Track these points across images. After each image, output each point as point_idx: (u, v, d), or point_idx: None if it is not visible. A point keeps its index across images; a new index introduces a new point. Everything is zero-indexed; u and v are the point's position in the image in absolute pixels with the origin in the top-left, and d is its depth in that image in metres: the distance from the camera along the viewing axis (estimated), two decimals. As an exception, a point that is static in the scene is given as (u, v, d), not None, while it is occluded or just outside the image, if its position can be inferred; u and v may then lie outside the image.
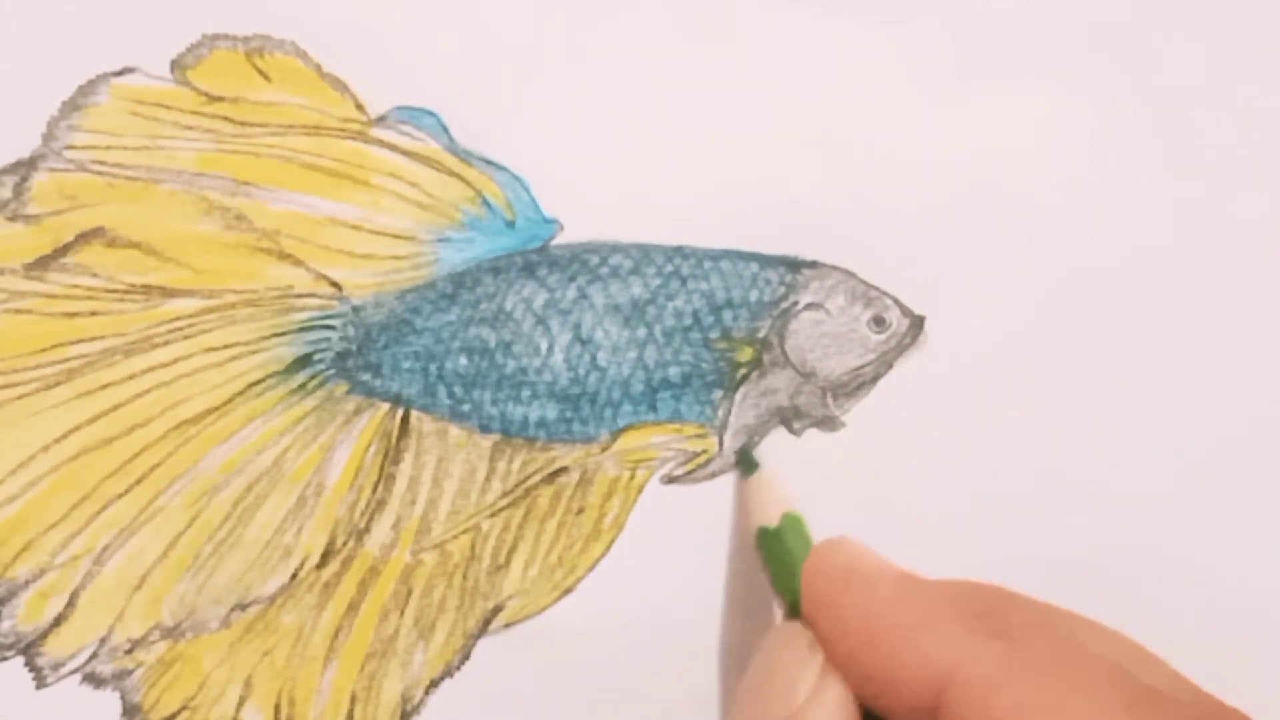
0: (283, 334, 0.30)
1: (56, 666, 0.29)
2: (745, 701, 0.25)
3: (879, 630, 0.24)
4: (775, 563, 0.27)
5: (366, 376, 0.30)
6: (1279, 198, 0.32)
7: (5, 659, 0.28)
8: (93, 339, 0.29)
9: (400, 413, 0.30)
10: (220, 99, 0.30)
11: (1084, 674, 0.22)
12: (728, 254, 0.31)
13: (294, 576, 0.29)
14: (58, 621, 0.29)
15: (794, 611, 0.26)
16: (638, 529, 0.30)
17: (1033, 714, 0.21)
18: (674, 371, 0.30)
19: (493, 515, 0.30)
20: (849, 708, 0.24)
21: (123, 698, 0.29)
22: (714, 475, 0.30)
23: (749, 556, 0.29)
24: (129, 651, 0.29)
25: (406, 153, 0.30)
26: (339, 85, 0.30)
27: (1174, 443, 0.31)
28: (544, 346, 0.30)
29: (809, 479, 0.30)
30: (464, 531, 0.30)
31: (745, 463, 0.30)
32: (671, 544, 0.30)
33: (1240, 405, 0.31)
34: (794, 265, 0.31)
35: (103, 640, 0.29)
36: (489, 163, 0.31)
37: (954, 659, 0.22)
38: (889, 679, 0.23)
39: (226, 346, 0.30)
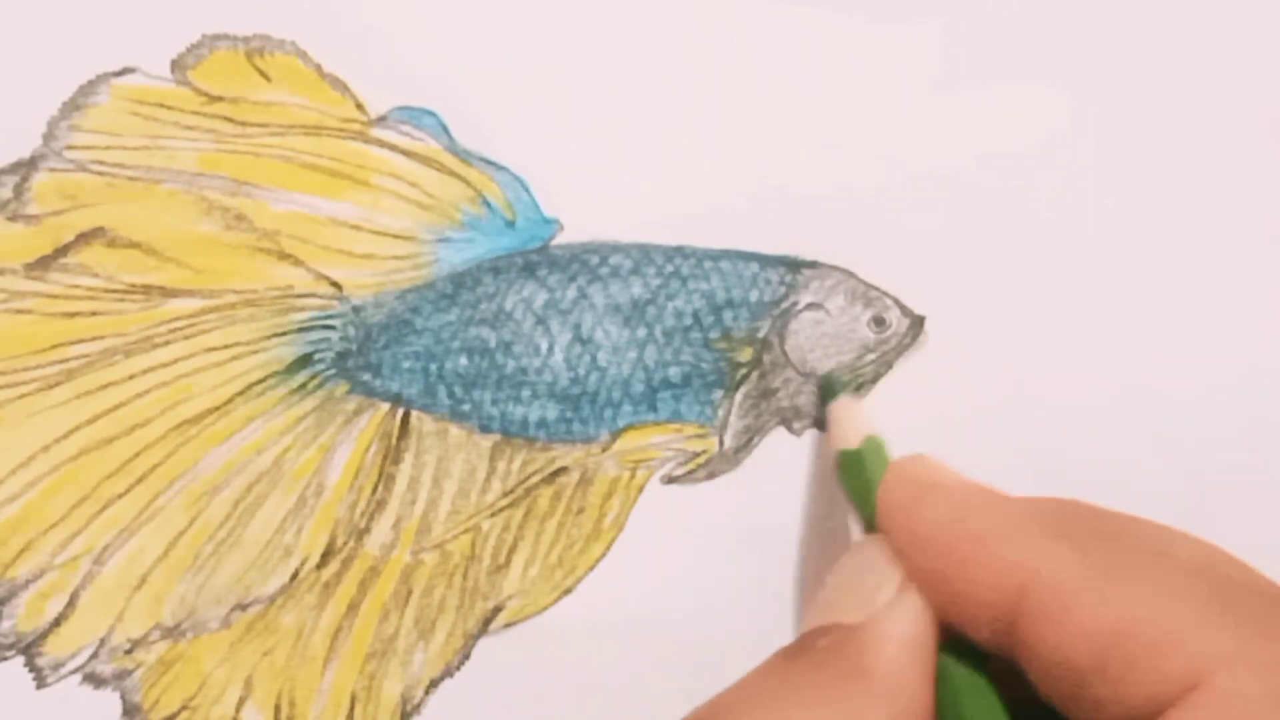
0: (283, 334, 0.30)
1: (56, 666, 0.29)
2: (822, 607, 0.25)
3: (956, 539, 0.23)
4: (855, 483, 0.27)
5: (366, 376, 0.30)
6: (1276, 197, 0.32)
7: (5, 659, 0.28)
8: (93, 339, 0.29)
9: (400, 413, 0.30)
10: (220, 99, 0.30)
11: (1166, 574, 0.21)
12: (728, 254, 0.31)
13: (294, 576, 0.29)
14: (58, 621, 0.29)
15: (872, 531, 0.26)
16: (638, 529, 0.30)
17: (1113, 616, 0.21)
18: (674, 371, 0.30)
19: (493, 515, 0.30)
20: (926, 619, 0.23)
21: (123, 698, 0.29)
22: (714, 475, 0.30)
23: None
24: (129, 651, 0.29)
25: (406, 153, 0.30)
26: (339, 85, 0.30)
27: (1176, 441, 0.31)
28: (544, 346, 0.30)
29: (809, 478, 0.30)
30: (464, 531, 0.30)
31: (828, 388, 0.30)
32: (671, 544, 0.30)
33: (1243, 405, 0.31)
34: (794, 265, 0.31)
35: (103, 640, 0.29)
36: (489, 163, 0.31)
37: (1032, 565, 0.22)
38: (966, 588, 0.23)
39: (226, 346, 0.30)
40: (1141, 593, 0.21)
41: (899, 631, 0.23)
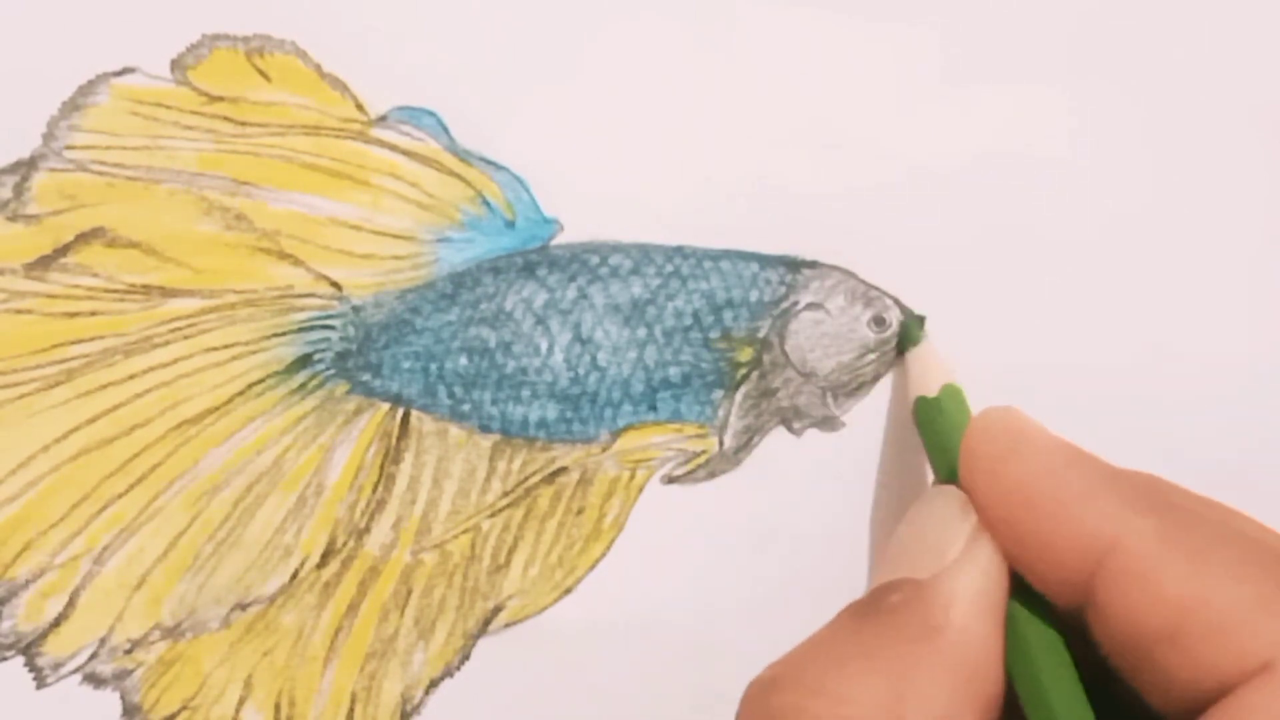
0: (283, 334, 0.30)
1: (56, 666, 0.29)
2: (893, 559, 0.25)
3: (1040, 496, 0.23)
4: (932, 432, 0.27)
5: (366, 376, 0.30)
6: (1276, 197, 0.32)
7: (5, 659, 0.28)
8: (93, 339, 0.29)
9: (400, 413, 0.30)
10: (220, 99, 0.30)
11: (1241, 555, 0.22)
12: (728, 254, 0.31)
13: (294, 576, 0.29)
14: (58, 621, 0.29)
15: (948, 480, 0.26)
16: (638, 529, 0.30)
17: (1189, 590, 0.21)
18: (674, 371, 0.30)
19: (493, 515, 0.30)
20: (1000, 570, 0.24)
21: (123, 698, 0.29)
22: (714, 475, 0.30)
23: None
24: (129, 651, 0.29)
25: (406, 153, 0.30)
26: (339, 85, 0.30)
27: (1176, 441, 0.31)
28: (544, 346, 0.30)
29: (809, 478, 0.30)
30: (464, 531, 0.30)
31: (907, 335, 0.30)
32: (671, 544, 0.30)
33: (1244, 405, 0.31)
34: (794, 265, 0.31)
35: (103, 640, 0.29)
36: (489, 163, 0.31)
37: (1114, 531, 0.22)
38: (1045, 546, 0.23)
39: (226, 346, 0.30)
40: (1219, 571, 0.21)
41: (971, 586, 0.23)
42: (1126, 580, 0.22)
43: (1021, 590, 0.24)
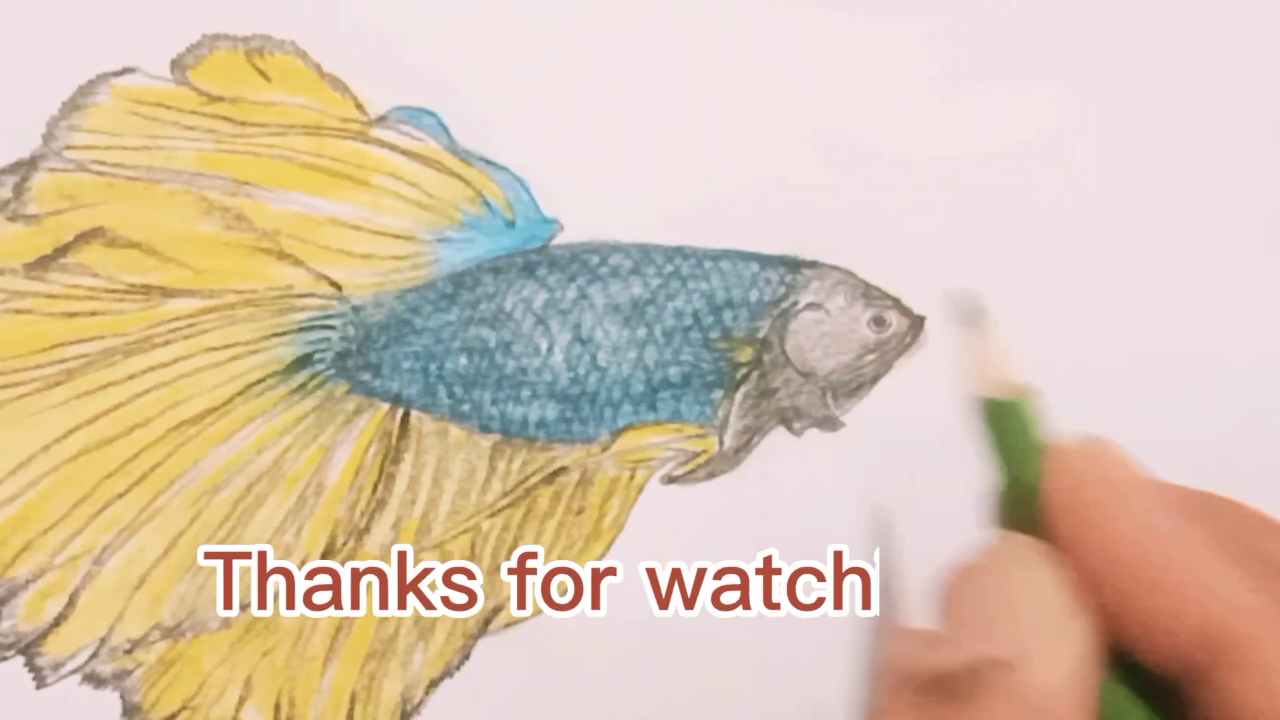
0: (283, 334, 0.30)
1: (56, 666, 0.28)
2: (971, 626, 0.21)
3: (1144, 563, 0.20)
4: (1003, 438, 0.24)
5: (366, 376, 0.30)
6: (1275, 198, 0.32)
7: (5, 659, 0.28)
8: (93, 339, 0.29)
9: (400, 413, 0.30)
10: (220, 99, 0.30)
11: None
12: (728, 254, 0.31)
13: (294, 576, 0.29)
14: (58, 621, 0.29)
15: (1013, 491, 0.23)
16: (638, 529, 0.30)
17: None
18: (674, 371, 0.30)
19: (493, 515, 0.30)
20: (1094, 645, 0.20)
21: (123, 698, 0.29)
22: (714, 475, 0.30)
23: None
24: (129, 651, 0.29)
25: (406, 153, 0.30)
26: (339, 85, 0.30)
27: (1178, 441, 0.31)
28: (544, 346, 0.30)
29: (809, 478, 0.30)
30: (464, 531, 0.30)
31: (969, 315, 0.26)
32: (671, 544, 0.30)
33: (1244, 404, 0.31)
34: (794, 265, 0.31)
35: (103, 640, 0.29)
36: (489, 163, 0.31)
37: (1230, 613, 0.20)
38: (1150, 620, 0.20)
39: (226, 346, 0.30)
40: None
41: (1065, 668, 0.20)
42: (1253, 673, 0.19)
43: (1116, 660, 0.21)
